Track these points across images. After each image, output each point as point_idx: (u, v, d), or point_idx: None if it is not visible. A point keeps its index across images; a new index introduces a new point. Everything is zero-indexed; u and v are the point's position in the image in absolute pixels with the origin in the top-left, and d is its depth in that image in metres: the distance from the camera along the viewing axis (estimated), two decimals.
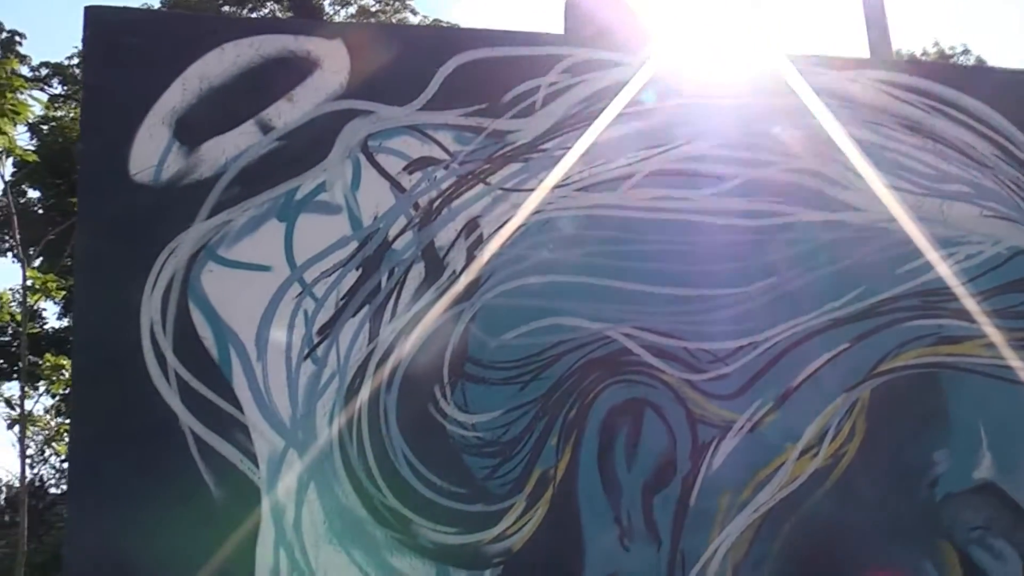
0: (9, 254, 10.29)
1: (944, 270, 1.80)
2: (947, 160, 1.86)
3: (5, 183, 7.33)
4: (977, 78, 1.93)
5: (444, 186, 1.74)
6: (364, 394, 1.69)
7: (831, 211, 1.80)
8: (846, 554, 1.76)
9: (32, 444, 9.65)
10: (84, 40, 1.75)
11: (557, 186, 1.74)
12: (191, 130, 1.69)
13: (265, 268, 1.68)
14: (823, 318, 1.77)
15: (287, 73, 1.71)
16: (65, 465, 9.40)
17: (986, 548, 1.77)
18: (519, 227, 1.73)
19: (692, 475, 1.73)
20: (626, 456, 1.73)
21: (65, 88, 10.64)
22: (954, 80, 1.86)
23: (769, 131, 1.79)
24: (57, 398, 8.73)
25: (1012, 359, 1.82)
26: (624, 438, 1.73)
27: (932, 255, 1.80)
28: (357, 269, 1.71)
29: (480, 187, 1.74)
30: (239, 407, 1.65)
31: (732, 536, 1.72)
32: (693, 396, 1.73)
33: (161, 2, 10.89)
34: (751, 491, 1.74)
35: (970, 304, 1.80)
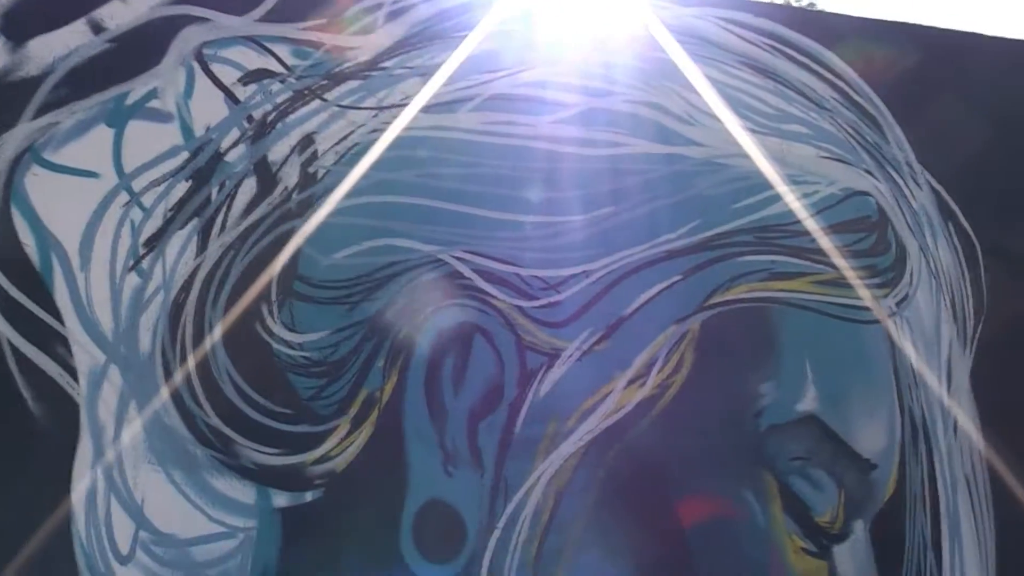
0: None
1: (779, 207, 2.20)
2: (788, 101, 2.26)
3: None
4: (820, 22, 2.33)
5: (280, 100, 2.04)
6: (189, 309, 1.96)
7: (671, 144, 2.18)
8: (670, 482, 2.14)
9: None
10: None
11: (395, 105, 2.06)
12: (18, 25, 1.91)
13: (92, 174, 1.93)
14: (657, 249, 2.15)
15: None
16: None
17: (805, 478, 2.19)
18: (355, 145, 2.04)
19: (519, 402, 2.07)
20: (453, 381, 2.05)
21: None
22: (797, 23, 2.26)
23: (612, 61, 2.16)
24: None
25: (841, 296, 2.24)
26: (452, 363, 2.05)
27: (769, 192, 2.20)
28: (187, 180, 1.98)
29: (317, 103, 2.05)
30: (60, 319, 1.89)
31: (556, 464, 2.07)
32: (523, 323, 2.07)
33: None
34: (577, 419, 2.09)
35: (803, 242, 2.22)
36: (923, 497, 2.25)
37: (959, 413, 2.30)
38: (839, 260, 2.21)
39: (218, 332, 1.94)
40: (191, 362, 1.94)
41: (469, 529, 2.03)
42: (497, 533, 2.03)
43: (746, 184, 2.19)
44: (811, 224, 2.21)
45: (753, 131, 2.21)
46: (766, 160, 2.18)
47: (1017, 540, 2.32)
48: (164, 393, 1.94)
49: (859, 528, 2.19)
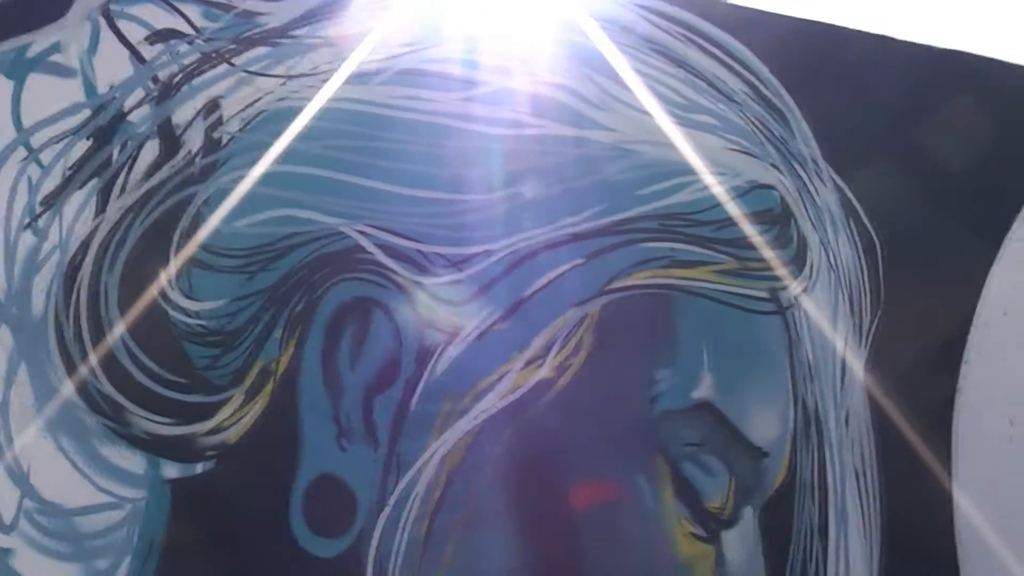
0: None
1: (684, 196, 2.38)
2: (698, 91, 2.44)
3: None
4: (734, 15, 2.51)
5: (187, 62, 2.15)
6: (85, 272, 2.07)
7: (580, 127, 2.34)
8: (564, 465, 2.31)
9: None
10: None
11: (304, 75, 2.19)
12: None
13: None
14: (561, 232, 2.31)
15: None
16: None
17: (698, 464, 2.37)
18: (261, 113, 2.16)
19: (415, 379, 2.21)
20: (351, 355, 2.19)
21: None
22: (710, 14, 2.44)
23: (524, 42, 2.31)
24: None
25: (740, 287, 2.42)
26: (350, 337, 2.19)
27: (674, 180, 2.37)
28: (88, 139, 2.08)
29: (224, 67, 2.16)
30: None
31: (450, 442, 2.22)
32: (424, 300, 2.22)
33: None
34: (473, 398, 2.24)
35: (705, 231, 2.40)
36: (812, 486, 2.44)
37: (852, 405, 2.50)
38: (740, 251, 2.39)
39: (114, 296, 2.02)
40: (85, 326, 2.01)
41: (360, 505, 2.15)
42: (388, 510, 2.16)
43: (652, 171, 2.36)
44: (714, 214, 2.38)
45: (662, 119, 2.38)
46: (676, 149, 2.34)
47: (902, 529, 2.54)
48: (56, 357, 2.01)
49: (748, 514, 2.38)
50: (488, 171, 2.24)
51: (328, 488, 2.14)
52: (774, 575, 2.44)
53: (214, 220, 2.09)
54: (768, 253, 2.45)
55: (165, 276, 2.06)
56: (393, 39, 2.21)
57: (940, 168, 2.79)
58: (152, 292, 2.07)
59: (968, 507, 2.69)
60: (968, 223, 2.84)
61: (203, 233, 2.09)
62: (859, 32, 2.63)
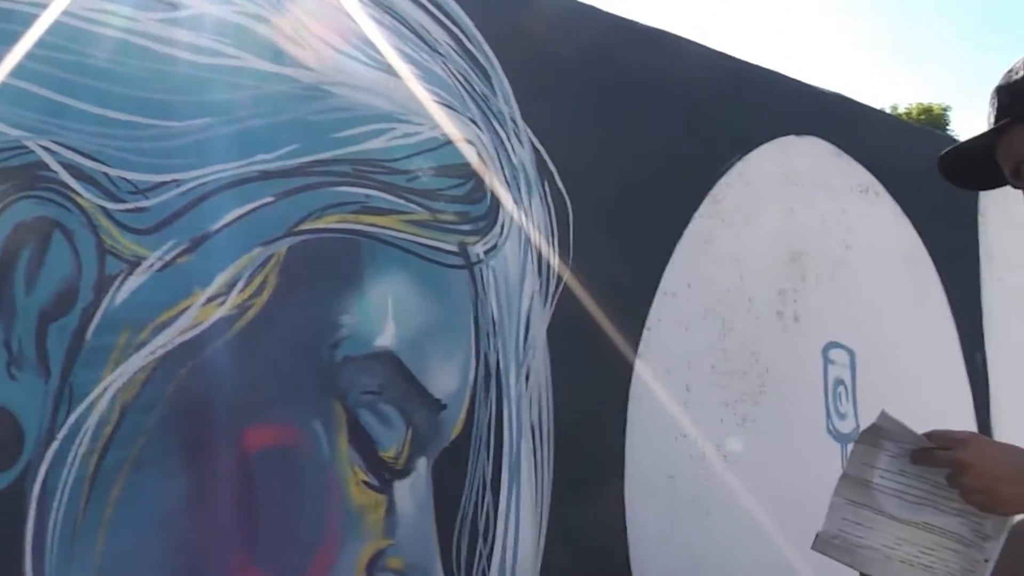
0: None
1: (380, 143, 2.89)
2: (401, 39, 2.95)
3: None
4: None
5: None
6: None
7: (280, 64, 2.79)
8: (240, 406, 2.74)
9: None
10: None
11: None
12: None
13: None
14: (252, 168, 2.75)
15: None
16: None
17: (375, 412, 2.88)
18: None
19: (93, 308, 2.56)
20: (26, 278, 2.48)
21: None
22: None
23: None
24: None
25: (430, 239, 2.96)
26: (27, 258, 2.51)
27: (372, 126, 2.88)
28: None
29: None
30: None
31: (124, 376, 2.59)
32: (106, 225, 2.58)
33: None
34: (151, 332, 2.60)
35: (399, 180, 2.92)
36: (488, 440, 3.02)
37: (533, 363, 3.11)
38: (431, 203, 2.93)
39: None
40: None
41: (27, 436, 2.40)
42: (56, 444, 2.43)
43: (349, 115, 2.84)
44: (410, 164, 2.91)
45: (363, 64, 2.88)
46: (365, 94, 2.84)
47: (570, 485, 3.17)
48: None
49: (422, 465, 2.91)
50: (181, 99, 2.65)
51: None
52: (445, 526, 2.97)
53: None
54: (460, 207, 2.99)
55: None
56: None
57: (637, 140, 3.45)
58: None
59: (636, 470, 3.36)
60: (660, 197, 3.52)
61: None
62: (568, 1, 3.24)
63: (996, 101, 2.05)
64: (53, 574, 2.42)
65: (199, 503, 2.64)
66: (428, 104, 2.88)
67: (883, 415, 1.94)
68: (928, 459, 1.92)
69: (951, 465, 1.89)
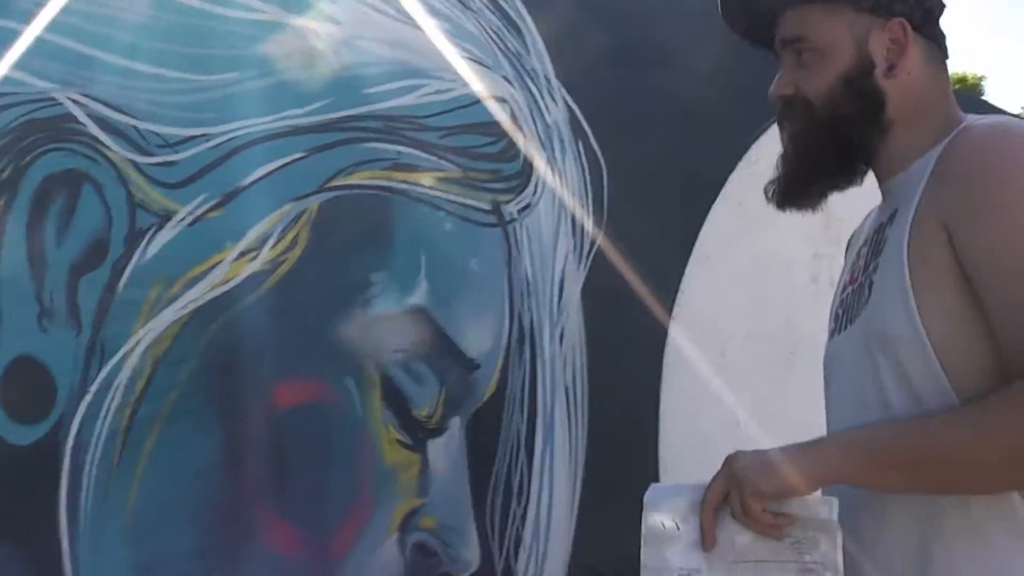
0: None
1: (411, 99, 2.84)
2: None
3: None
4: None
5: None
6: None
7: (309, 18, 2.75)
8: (272, 362, 2.72)
9: None
10: None
11: None
12: None
13: None
14: (283, 123, 2.71)
15: None
16: None
17: (407, 371, 2.84)
18: None
19: (124, 262, 2.55)
20: (57, 231, 2.49)
21: None
22: None
23: None
24: None
25: (461, 196, 2.91)
26: (58, 211, 2.50)
27: (403, 82, 2.83)
28: None
29: None
30: None
31: (156, 330, 2.58)
32: (136, 179, 2.57)
33: None
34: (182, 286, 2.61)
35: (431, 136, 2.87)
36: (522, 400, 2.97)
37: (567, 324, 3.05)
38: (463, 160, 2.88)
39: None
40: None
41: (60, 390, 2.40)
42: (89, 397, 2.42)
43: (381, 70, 2.80)
44: (441, 121, 2.85)
45: (394, 19, 2.83)
46: (395, 49, 2.79)
47: (605, 446, 3.11)
48: None
49: (456, 425, 2.87)
50: (211, 52, 2.61)
51: (27, 370, 2.37)
52: (479, 486, 2.93)
53: None
54: (493, 165, 2.94)
55: None
56: None
57: (673, 101, 3.38)
58: None
59: (671, 432, 3.29)
60: (695, 158, 3.44)
61: None
62: None
63: None
64: (87, 526, 2.41)
65: (231, 458, 2.63)
66: (460, 61, 2.82)
67: (649, 492, 1.65)
68: (709, 493, 1.65)
69: (722, 477, 1.64)
